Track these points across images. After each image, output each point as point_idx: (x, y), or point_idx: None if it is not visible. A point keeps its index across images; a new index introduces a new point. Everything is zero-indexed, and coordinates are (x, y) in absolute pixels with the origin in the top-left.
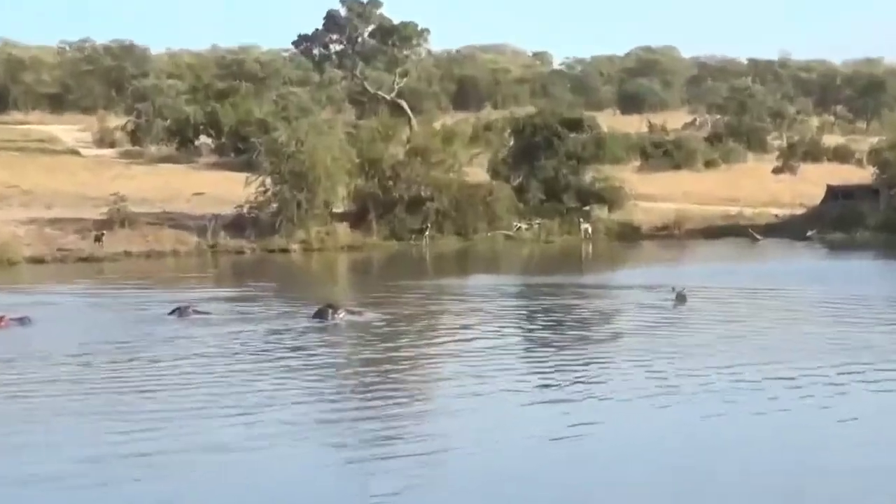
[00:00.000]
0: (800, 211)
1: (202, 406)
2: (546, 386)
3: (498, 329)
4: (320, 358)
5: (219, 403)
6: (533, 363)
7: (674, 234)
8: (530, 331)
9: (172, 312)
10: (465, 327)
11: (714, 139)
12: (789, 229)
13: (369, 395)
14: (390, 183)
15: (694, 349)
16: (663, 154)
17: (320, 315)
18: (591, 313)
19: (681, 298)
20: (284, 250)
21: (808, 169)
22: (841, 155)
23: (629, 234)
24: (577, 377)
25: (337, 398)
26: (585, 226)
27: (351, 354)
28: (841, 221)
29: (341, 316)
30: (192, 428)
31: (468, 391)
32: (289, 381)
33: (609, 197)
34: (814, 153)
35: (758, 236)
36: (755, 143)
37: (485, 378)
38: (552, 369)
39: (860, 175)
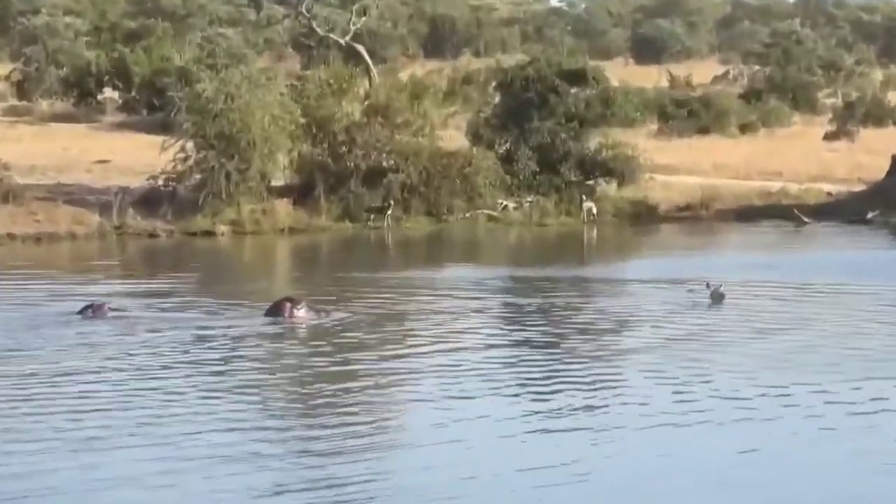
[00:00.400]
0: (858, 187)
1: (117, 432)
2: (544, 412)
3: (483, 337)
4: (266, 371)
5: (138, 428)
6: (527, 381)
7: (700, 216)
8: (523, 339)
9: (83, 311)
10: (441, 335)
11: (751, 96)
12: (845, 210)
13: (322, 421)
14: (344, 149)
15: (749, 362)
16: (687, 115)
17: (275, 312)
18: (599, 316)
19: (717, 297)
20: (209, 233)
21: (869, 135)
22: None
23: (644, 216)
24: (584, 400)
25: (281, 425)
26: (589, 205)
27: (305, 367)
28: None
29: (301, 313)
30: (102, 459)
31: (444, 418)
32: (224, 399)
33: (619, 168)
34: (877, 114)
35: (806, 219)
36: (803, 101)
37: (467, 401)
38: (552, 390)
39: None
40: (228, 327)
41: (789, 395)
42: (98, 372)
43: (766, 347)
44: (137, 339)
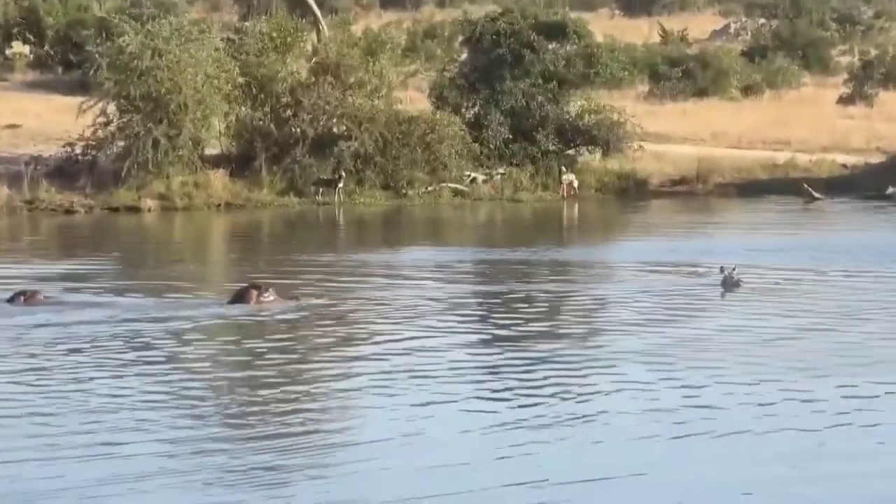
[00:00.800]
0: (877, 159)
1: (44, 441)
2: (527, 419)
3: (451, 332)
4: (223, 370)
5: (69, 436)
6: (507, 386)
7: (696, 191)
8: (499, 335)
9: (13, 299)
10: (405, 330)
11: (755, 54)
12: (862, 185)
13: (280, 430)
14: (288, 113)
15: (791, 359)
16: (682, 75)
17: (239, 301)
18: (587, 306)
19: (731, 284)
20: (134, 209)
21: (889, 99)
22: None
23: (632, 191)
24: (569, 408)
25: (219, 435)
26: (569, 177)
27: (264, 367)
28: None
29: (270, 299)
30: (20, 470)
31: (416, 428)
32: (173, 406)
33: (603, 136)
34: None
35: (817, 194)
36: (814, 60)
37: (439, 408)
38: (539, 395)
39: None
40: (185, 318)
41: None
42: (39, 370)
43: (827, 342)
44: (83, 331)
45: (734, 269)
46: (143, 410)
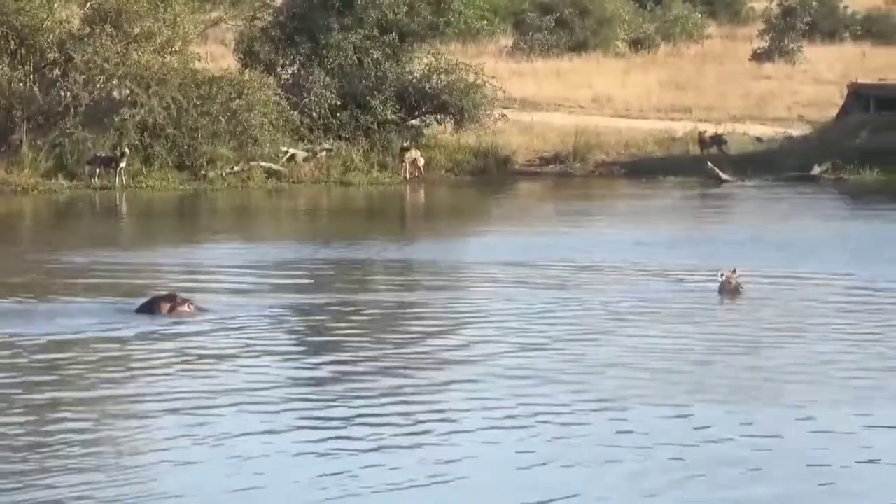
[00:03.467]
0: (799, 130)
1: None
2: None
3: (266, 351)
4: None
5: None
6: (355, 431)
7: (572, 171)
8: (320, 358)
9: None
10: (202, 348)
11: None
12: (781, 163)
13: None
14: (56, 73)
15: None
16: (555, 24)
17: (147, 310)
18: (444, 319)
19: (730, 290)
20: None
21: (815, 54)
22: (878, 29)
23: (492, 171)
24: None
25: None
26: (412, 154)
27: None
28: (872, 150)
29: (188, 309)
30: None
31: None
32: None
33: (456, 103)
34: (827, 25)
35: (724, 175)
36: (721, 5)
37: (252, 461)
38: (388, 442)
39: None
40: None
41: None
42: None
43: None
44: None
45: (734, 272)
46: None
